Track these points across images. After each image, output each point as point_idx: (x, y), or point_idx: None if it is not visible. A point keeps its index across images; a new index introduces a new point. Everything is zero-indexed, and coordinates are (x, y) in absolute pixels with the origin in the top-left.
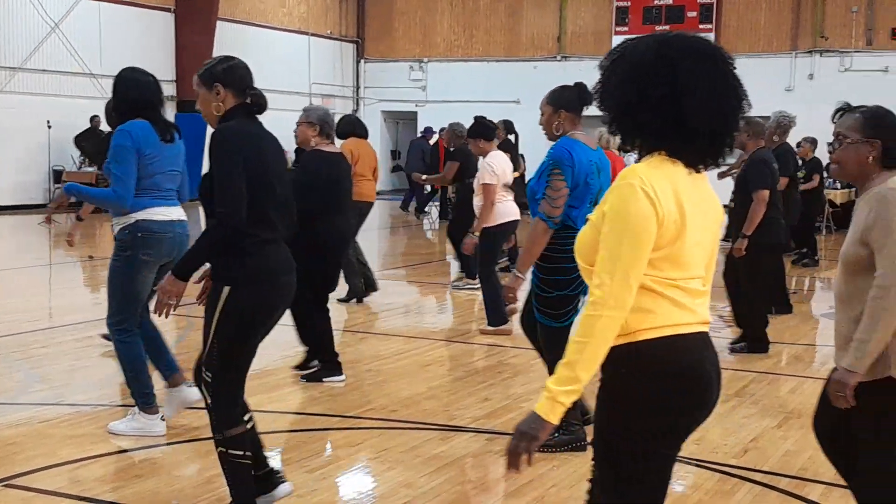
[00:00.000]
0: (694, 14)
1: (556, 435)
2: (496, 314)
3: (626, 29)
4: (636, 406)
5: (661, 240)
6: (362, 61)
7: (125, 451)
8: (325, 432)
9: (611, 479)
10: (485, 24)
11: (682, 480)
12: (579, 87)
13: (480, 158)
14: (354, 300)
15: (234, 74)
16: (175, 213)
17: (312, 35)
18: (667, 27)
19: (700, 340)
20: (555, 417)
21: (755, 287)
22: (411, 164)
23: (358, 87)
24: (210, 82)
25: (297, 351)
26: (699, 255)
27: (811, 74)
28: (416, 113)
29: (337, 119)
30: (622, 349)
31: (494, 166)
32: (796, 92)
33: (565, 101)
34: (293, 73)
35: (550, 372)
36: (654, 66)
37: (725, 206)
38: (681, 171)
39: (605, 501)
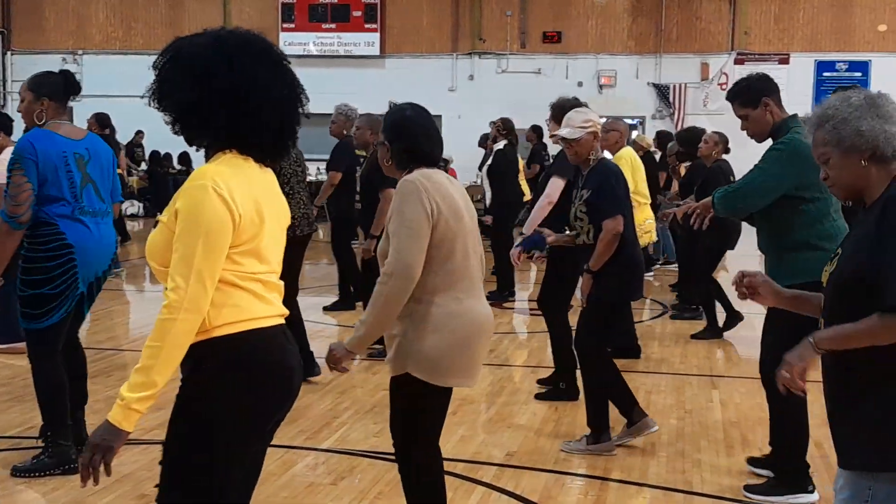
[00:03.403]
0: (359, 14)
1: (40, 458)
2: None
3: (292, 26)
4: (221, 402)
5: (241, 238)
6: (9, 53)
7: None
8: None
9: (182, 475)
10: (144, 17)
11: (362, 474)
12: (65, 74)
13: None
14: None
15: None
16: None
17: None
18: (333, 25)
19: (280, 332)
20: (129, 425)
21: None
22: None
23: (4, 81)
24: None
25: None
26: (275, 249)
27: (472, 75)
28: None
29: None
30: (204, 345)
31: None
32: (458, 92)
33: (50, 89)
34: None
35: (44, 379)
36: (214, 62)
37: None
38: (253, 168)
39: (169, 500)
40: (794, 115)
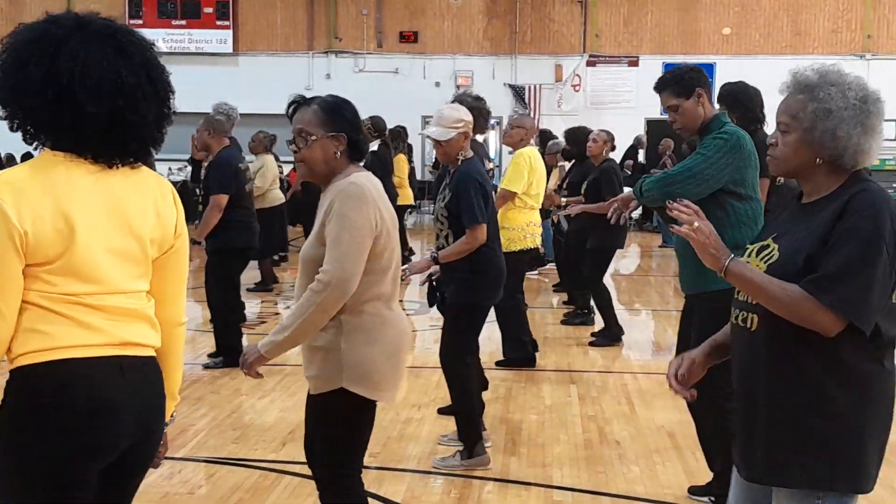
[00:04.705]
0: (211, 10)
1: None
2: None
3: (140, 22)
4: (20, 443)
5: (42, 253)
6: None
7: None
8: None
9: None
10: None
11: (221, 482)
12: None
13: None
14: None
15: None
16: None
17: None
18: (183, 22)
19: (109, 365)
20: None
21: (226, 296)
22: None
23: None
24: None
25: None
26: (119, 265)
27: (328, 74)
28: None
29: None
30: (10, 376)
31: None
32: (315, 91)
33: None
34: None
35: None
36: (38, 44)
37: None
38: (79, 171)
39: None
40: (725, 112)
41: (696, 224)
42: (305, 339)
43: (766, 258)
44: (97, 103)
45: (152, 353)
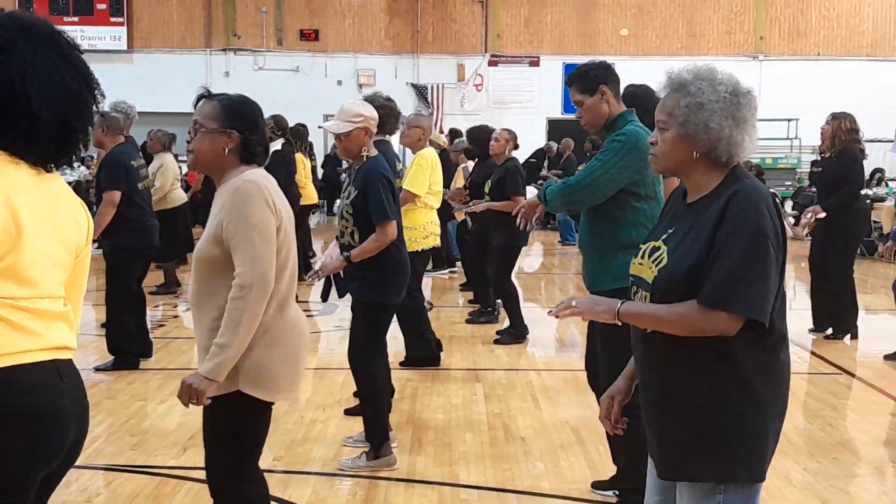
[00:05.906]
0: (104, 6)
1: None
2: None
3: None
4: None
5: None
6: None
7: None
8: None
9: None
10: None
11: (119, 489)
12: None
13: None
14: None
15: None
16: None
17: None
18: (76, 18)
19: (50, 370)
20: None
21: (120, 297)
22: None
23: None
24: None
25: None
26: (51, 270)
27: (227, 72)
28: None
29: None
30: None
31: None
32: (214, 90)
33: None
34: None
35: None
36: None
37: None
38: (21, 173)
39: None
40: (632, 110)
41: (573, 304)
42: (243, 349)
43: (657, 261)
44: (50, 109)
45: (72, 356)
